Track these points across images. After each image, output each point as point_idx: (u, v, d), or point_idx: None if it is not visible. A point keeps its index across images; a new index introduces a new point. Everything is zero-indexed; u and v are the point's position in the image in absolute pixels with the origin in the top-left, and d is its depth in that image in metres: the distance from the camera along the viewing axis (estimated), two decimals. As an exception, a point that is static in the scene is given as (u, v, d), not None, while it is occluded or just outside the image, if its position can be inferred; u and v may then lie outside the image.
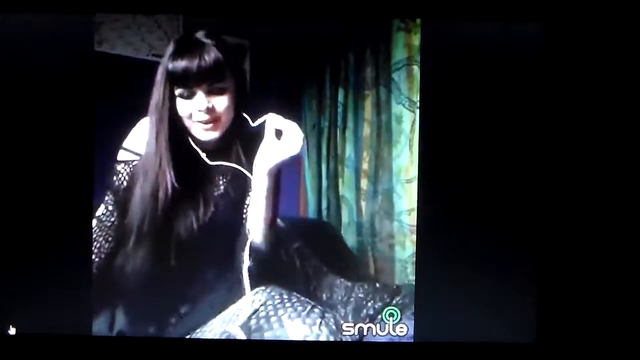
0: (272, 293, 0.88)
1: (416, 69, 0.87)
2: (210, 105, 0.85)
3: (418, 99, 0.87)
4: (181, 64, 0.84)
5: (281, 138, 0.87)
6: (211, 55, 0.84)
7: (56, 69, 0.86)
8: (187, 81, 0.85)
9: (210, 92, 0.85)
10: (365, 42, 0.88)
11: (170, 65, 0.85)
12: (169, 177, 0.86)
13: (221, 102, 0.86)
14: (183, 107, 0.86)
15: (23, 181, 0.88)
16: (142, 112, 0.87)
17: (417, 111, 0.88)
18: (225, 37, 0.86)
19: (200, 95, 0.85)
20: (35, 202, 0.88)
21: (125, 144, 0.87)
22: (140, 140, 0.87)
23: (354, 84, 0.89)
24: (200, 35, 0.85)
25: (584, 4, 0.86)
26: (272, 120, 0.87)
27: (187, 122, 0.87)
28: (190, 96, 0.85)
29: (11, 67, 0.86)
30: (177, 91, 0.85)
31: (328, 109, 0.90)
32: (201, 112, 0.86)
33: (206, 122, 0.86)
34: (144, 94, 0.86)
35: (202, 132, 0.87)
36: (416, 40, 0.87)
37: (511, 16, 0.87)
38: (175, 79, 0.85)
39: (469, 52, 0.87)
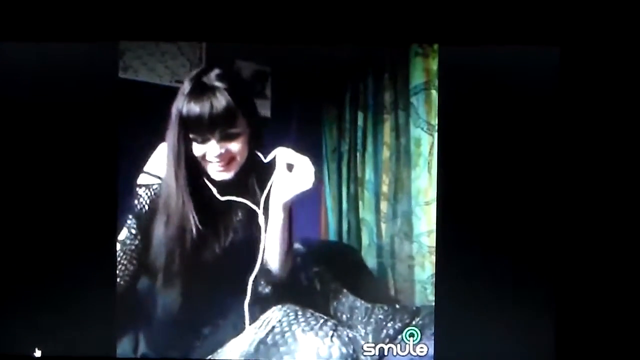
0: (287, 310, 0.90)
1: (434, 93, 0.89)
2: (223, 151, 0.87)
3: (436, 122, 0.89)
4: (194, 110, 0.85)
5: (293, 171, 0.88)
6: (222, 102, 0.85)
7: (82, 95, 0.88)
8: (200, 128, 0.86)
9: (223, 139, 0.86)
10: (384, 67, 0.90)
11: (183, 110, 0.86)
12: (192, 216, 0.88)
13: (234, 146, 0.87)
14: (197, 149, 0.87)
15: (47, 205, 0.89)
16: (163, 136, 0.88)
17: (436, 134, 0.89)
18: (238, 78, 0.88)
19: (213, 142, 0.86)
20: (59, 226, 0.89)
21: (146, 167, 0.89)
22: (159, 164, 0.89)
23: (373, 108, 0.91)
24: (212, 78, 0.86)
25: (599, 28, 0.87)
26: (282, 155, 0.88)
27: (202, 162, 0.88)
28: (203, 142, 0.87)
29: (39, 93, 0.89)
30: (191, 135, 0.87)
31: (348, 133, 0.91)
32: (215, 157, 0.87)
33: (220, 165, 0.88)
34: (167, 119, 0.88)
35: (216, 173, 0.88)
36: (434, 64, 0.89)
37: (527, 41, 0.88)
38: (188, 124, 0.86)
39: (485, 76, 0.89)
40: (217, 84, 0.86)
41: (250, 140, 0.88)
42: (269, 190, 0.89)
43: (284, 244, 0.89)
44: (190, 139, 0.87)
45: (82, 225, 0.89)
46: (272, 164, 0.89)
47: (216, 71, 0.87)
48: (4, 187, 0.89)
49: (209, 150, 0.87)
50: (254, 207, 0.89)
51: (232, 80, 0.87)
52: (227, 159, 0.88)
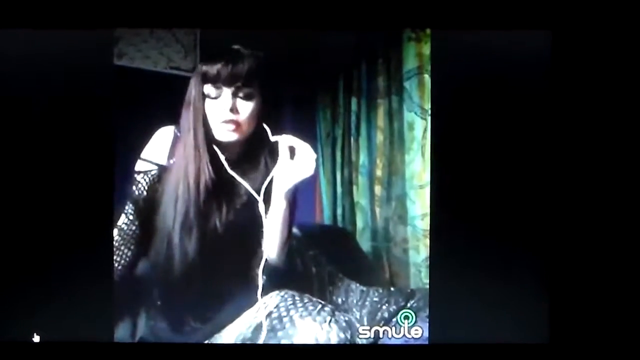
0: (285, 296, 0.90)
1: (427, 78, 0.90)
2: (234, 107, 0.87)
3: (429, 106, 0.90)
4: (215, 66, 0.87)
5: (294, 158, 0.88)
6: (244, 62, 0.87)
7: (77, 83, 0.89)
8: (216, 81, 0.87)
9: (235, 95, 0.87)
10: (377, 52, 0.91)
11: (204, 67, 0.87)
12: (191, 182, 0.88)
13: (245, 107, 0.88)
14: (211, 107, 0.88)
15: (44, 192, 0.90)
16: (160, 123, 0.89)
17: (429, 118, 0.90)
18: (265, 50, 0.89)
19: (226, 95, 0.87)
20: (57, 213, 0.90)
21: (143, 154, 0.90)
22: (158, 151, 0.90)
23: (367, 93, 0.92)
24: (239, 45, 0.88)
25: (590, 12, 0.88)
26: (285, 142, 0.88)
27: (215, 124, 0.88)
28: (217, 96, 0.87)
29: (34, 81, 0.89)
30: (206, 91, 0.87)
31: (342, 118, 0.92)
32: (227, 112, 0.87)
33: (230, 122, 0.88)
34: (163, 105, 0.89)
35: (225, 133, 0.88)
36: (426, 49, 0.90)
37: (519, 25, 0.89)
38: (207, 79, 0.87)
39: (478, 61, 0.90)
40: (244, 50, 0.88)
41: (260, 112, 0.89)
42: (271, 178, 0.89)
43: (284, 233, 0.90)
44: (204, 96, 0.88)
45: (79, 212, 0.90)
46: (277, 146, 0.89)
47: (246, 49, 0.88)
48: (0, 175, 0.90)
49: (223, 105, 0.87)
50: (254, 193, 0.90)
51: (257, 51, 0.88)
52: (240, 118, 0.88)
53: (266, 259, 0.90)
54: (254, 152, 0.90)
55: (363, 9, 0.89)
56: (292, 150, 0.88)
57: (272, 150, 0.89)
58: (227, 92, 0.87)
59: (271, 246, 0.90)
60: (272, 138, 0.89)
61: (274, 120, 0.89)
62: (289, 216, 0.90)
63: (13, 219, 0.90)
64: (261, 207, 0.89)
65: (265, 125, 0.89)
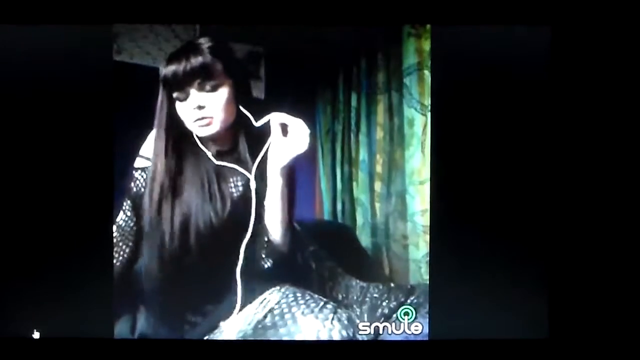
0: (286, 292, 0.90)
1: (427, 74, 0.90)
2: (203, 104, 0.86)
3: (429, 102, 0.90)
4: (172, 67, 0.86)
5: (287, 135, 0.87)
6: (198, 55, 0.85)
7: (76, 78, 0.89)
8: (179, 83, 0.86)
9: (202, 90, 0.86)
10: (377, 47, 0.91)
11: (164, 71, 0.87)
12: (178, 180, 0.88)
13: (214, 99, 0.87)
14: (181, 109, 0.87)
15: (43, 189, 0.90)
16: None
17: (429, 114, 0.90)
18: (223, 41, 0.88)
19: (193, 93, 0.86)
20: (56, 210, 0.90)
21: (141, 151, 0.90)
22: (152, 147, 0.89)
23: (367, 89, 0.91)
24: (196, 40, 0.87)
25: (590, 7, 0.88)
26: (276, 119, 0.87)
27: (189, 123, 0.88)
28: (185, 98, 0.87)
29: (33, 76, 0.89)
30: (174, 94, 0.87)
31: (342, 114, 0.92)
32: (195, 110, 0.86)
33: (201, 119, 0.87)
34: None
35: (199, 129, 0.88)
36: (426, 45, 0.89)
37: (519, 20, 0.89)
38: (170, 84, 0.86)
39: (478, 56, 0.89)
40: (198, 41, 0.87)
41: (234, 98, 0.88)
42: (264, 155, 0.89)
43: (284, 210, 0.89)
44: (173, 99, 0.87)
45: (78, 208, 0.90)
46: (265, 128, 0.88)
47: (204, 37, 0.88)
48: (-1, 171, 0.90)
49: (190, 104, 0.86)
50: (245, 172, 0.89)
51: (215, 41, 0.87)
52: (207, 114, 0.87)
53: (268, 245, 0.89)
54: (239, 138, 0.90)
55: (363, 4, 0.89)
56: (284, 127, 0.87)
57: (259, 133, 0.88)
58: (192, 90, 0.86)
59: (273, 230, 0.89)
60: (257, 122, 0.88)
61: (253, 102, 0.88)
62: (289, 193, 0.89)
63: (13, 216, 0.90)
64: (253, 186, 0.89)
65: (243, 110, 0.88)
